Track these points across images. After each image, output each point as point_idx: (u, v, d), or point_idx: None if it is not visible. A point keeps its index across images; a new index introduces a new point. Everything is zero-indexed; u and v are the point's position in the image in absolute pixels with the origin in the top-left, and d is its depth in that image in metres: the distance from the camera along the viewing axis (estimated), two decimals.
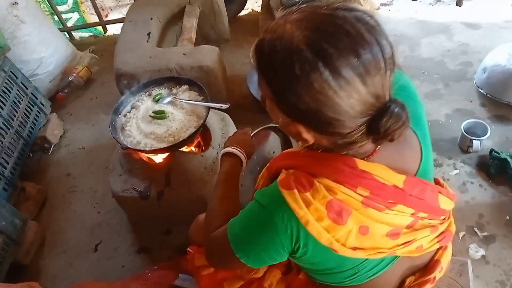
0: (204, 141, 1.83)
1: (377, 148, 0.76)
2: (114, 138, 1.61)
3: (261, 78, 0.73)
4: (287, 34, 0.65)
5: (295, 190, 0.74)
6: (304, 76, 0.63)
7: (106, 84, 2.72)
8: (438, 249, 0.97)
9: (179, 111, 1.70)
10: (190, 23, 2.45)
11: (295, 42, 0.64)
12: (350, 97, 0.64)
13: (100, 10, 3.30)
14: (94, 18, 3.39)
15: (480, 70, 2.05)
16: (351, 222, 0.73)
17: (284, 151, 0.95)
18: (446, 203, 0.84)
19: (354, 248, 0.75)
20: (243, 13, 3.17)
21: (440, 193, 0.83)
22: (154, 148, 1.58)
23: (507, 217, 1.58)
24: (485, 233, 1.56)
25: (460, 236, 1.57)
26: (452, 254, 1.50)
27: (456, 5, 2.73)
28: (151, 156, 1.71)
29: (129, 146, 1.60)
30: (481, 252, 1.51)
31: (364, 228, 0.74)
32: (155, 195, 1.69)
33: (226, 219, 0.91)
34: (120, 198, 1.76)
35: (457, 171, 1.78)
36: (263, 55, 0.70)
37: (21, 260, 1.80)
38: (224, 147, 1.18)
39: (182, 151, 1.72)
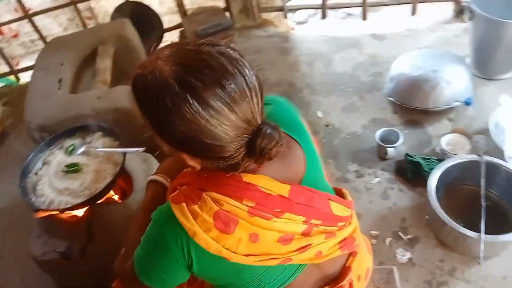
0: (126, 186, 1.76)
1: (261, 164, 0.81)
2: (25, 201, 1.51)
3: (139, 111, 0.76)
4: (158, 70, 0.70)
5: (183, 204, 0.77)
6: (176, 108, 0.68)
7: (22, 138, 2.55)
8: (348, 256, 0.99)
9: (94, 161, 1.63)
10: (104, 64, 2.38)
11: (164, 77, 0.68)
12: (222, 124, 0.69)
13: (10, 59, 3.13)
14: (4, 68, 3.20)
15: (388, 79, 2.17)
16: (239, 231, 0.76)
17: (183, 171, 0.95)
18: (340, 210, 0.89)
19: (247, 255, 0.78)
20: (162, 45, 3.14)
21: (331, 200, 0.88)
22: (69, 206, 1.50)
23: (427, 217, 1.66)
24: (409, 236, 1.63)
25: (387, 242, 1.62)
26: (381, 262, 1.57)
27: (362, 19, 2.88)
28: (67, 213, 1.61)
29: (40, 208, 1.50)
30: (408, 255, 1.57)
31: (254, 235, 0.78)
32: (78, 253, 1.59)
33: None
34: (41, 263, 1.63)
35: (378, 179, 1.85)
36: (138, 90, 0.74)
37: None
38: (153, 174, 1.17)
39: (102, 202, 1.63)
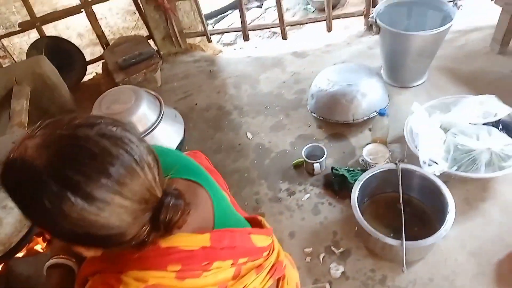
0: (48, 236, 1.64)
1: None
2: None
3: (15, 203, 0.64)
4: (29, 164, 0.60)
5: None
6: (57, 209, 0.59)
7: None
8: (278, 281, 0.98)
9: (8, 212, 1.51)
10: (20, 105, 2.25)
11: (38, 174, 0.59)
12: (115, 214, 0.61)
13: None
14: None
15: (310, 96, 2.24)
16: None
17: (88, 257, 0.89)
18: (261, 241, 0.86)
19: None
20: (86, 78, 3.03)
21: (251, 233, 0.84)
22: None
23: (356, 229, 1.71)
24: (341, 249, 1.66)
25: (321, 258, 1.64)
26: (316, 279, 1.59)
27: (282, 39, 2.97)
28: None
29: None
30: (341, 269, 1.60)
31: None
32: None
33: None
34: None
35: (308, 195, 1.88)
36: (10, 187, 0.63)
37: None
38: (49, 257, 1.03)
39: (22, 257, 1.52)
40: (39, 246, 1.62)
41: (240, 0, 2.80)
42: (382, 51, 2.34)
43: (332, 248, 1.67)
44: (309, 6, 4.11)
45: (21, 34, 2.89)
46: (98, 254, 0.70)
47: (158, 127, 1.94)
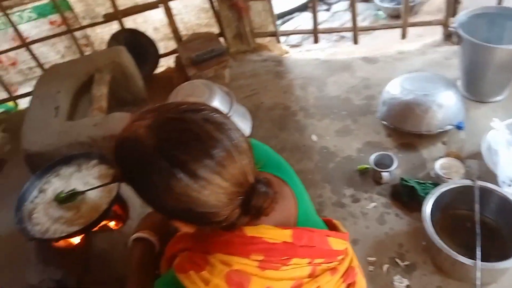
0: (122, 213, 1.74)
1: None
2: (20, 230, 1.50)
3: (123, 178, 0.73)
4: (140, 143, 0.67)
5: (191, 272, 0.74)
6: (164, 184, 0.65)
7: (21, 164, 2.54)
8: (348, 286, 0.98)
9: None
10: (100, 91, 2.41)
11: (148, 151, 0.66)
12: (214, 193, 0.66)
13: (9, 86, 3.15)
14: (3, 95, 3.22)
15: (381, 103, 2.19)
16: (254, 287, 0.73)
17: (177, 234, 0.94)
18: (338, 244, 0.87)
19: None
20: (158, 70, 3.17)
21: (329, 236, 0.86)
22: (64, 234, 1.49)
23: (423, 243, 1.65)
24: (406, 262, 1.61)
25: (385, 269, 1.61)
26: None
27: (354, 43, 2.94)
28: (63, 242, 1.60)
29: (35, 237, 1.49)
30: (405, 282, 1.56)
31: None
32: (73, 282, 1.57)
33: None
34: None
35: (374, 203, 1.85)
36: (121, 161, 0.72)
37: None
38: (135, 231, 1.13)
39: (97, 231, 1.62)
40: (113, 223, 1.73)
41: (314, 3, 2.80)
42: (462, 63, 2.24)
43: (397, 260, 1.63)
44: (379, 12, 4.02)
45: (103, 25, 3.08)
46: (191, 231, 0.76)
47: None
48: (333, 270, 0.85)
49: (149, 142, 0.66)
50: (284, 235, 0.77)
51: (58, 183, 1.68)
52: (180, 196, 0.66)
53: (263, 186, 0.72)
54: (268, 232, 0.76)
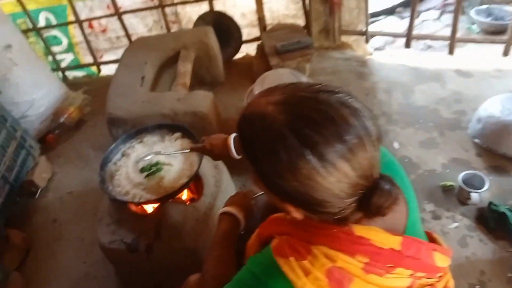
0: (196, 189, 1.77)
1: None
2: (102, 189, 1.56)
3: (243, 152, 0.72)
4: (270, 118, 0.65)
5: (292, 258, 0.71)
6: (291, 163, 0.63)
7: (98, 126, 2.68)
8: None
9: (172, 160, 1.66)
10: (185, 68, 2.46)
11: (279, 127, 0.64)
12: (339, 181, 0.63)
13: (95, 51, 3.32)
14: (88, 60, 3.40)
15: (475, 120, 2.06)
16: None
17: (272, 216, 0.92)
18: (442, 261, 0.81)
19: None
20: (237, 56, 3.20)
21: (435, 250, 0.80)
22: (143, 200, 1.53)
23: (509, 275, 1.53)
24: None
25: None
26: None
27: (449, 53, 2.78)
28: (139, 207, 1.65)
29: (117, 198, 1.55)
30: None
31: None
32: (144, 248, 1.62)
33: (220, 283, 0.87)
34: (107, 250, 1.67)
35: (457, 224, 1.74)
36: (245, 135, 0.71)
37: None
38: (224, 206, 1.16)
39: (173, 201, 1.66)
40: (187, 198, 1.76)
41: (414, 6, 2.68)
42: None
43: (477, 287, 1.52)
44: (473, 26, 3.78)
45: (193, 4, 3.15)
46: (299, 217, 0.73)
47: None
48: (431, 286, 0.79)
49: (280, 117, 0.64)
50: (393, 241, 0.73)
51: (141, 150, 1.73)
52: (304, 179, 0.63)
53: (387, 183, 0.67)
54: (378, 236, 0.72)
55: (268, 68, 2.62)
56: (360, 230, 0.72)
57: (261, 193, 1.33)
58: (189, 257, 1.65)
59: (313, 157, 0.62)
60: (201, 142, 1.36)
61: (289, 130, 0.63)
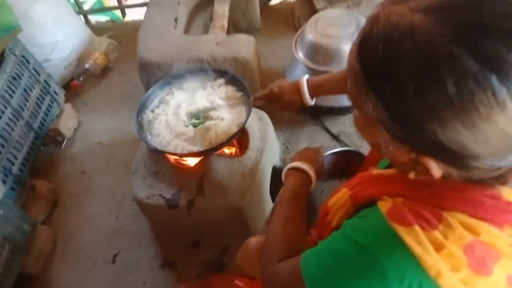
0: (241, 143, 1.61)
1: None
2: (142, 138, 1.41)
3: (365, 90, 0.52)
4: (424, 31, 0.45)
5: (417, 227, 0.55)
6: (464, 97, 0.44)
7: (126, 74, 2.51)
8: None
9: (222, 112, 1.49)
10: (222, 9, 2.23)
11: (440, 42, 0.44)
12: (509, 124, 0.45)
13: None
14: (112, 2, 3.17)
15: None
16: (498, 271, 0.54)
17: (365, 174, 0.75)
18: None
19: None
20: (274, 2, 2.93)
21: None
22: (187, 152, 1.38)
23: None
24: None
25: None
26: None
27: None
28: (180, 160, 1.50)
29: (158, 148, 1.40)
30: None
31: None
32: (185, 204, 1.48)
33: (291, 247, 0.78)
34: (144, 206, 1.55)
35: None
36: (376, 62, 0.50)
37: (29, 271, 1.61)
38: (290, 161, 1.00)
39: (218, 154, 1.50)
40: (232, 151, 1.60)
41: None
42: None
43: None
44: None
45: None
46: (438, 175, 0.54)
47: None
48: None
49: (439, 30, 0.45)
50: None
51: (181, 96, 1.56)
52: (478, 122, 0.45)
53: None
54: None
55: (313, 12, 2.37)
56: (510, 194, 0.55)
57: (331, 152, 1.17)
58: (233, 215, 1.53)
59: (502, 86, 0.43)
60: (256, 92, 1.19)
61: (461, 46, 0.43)
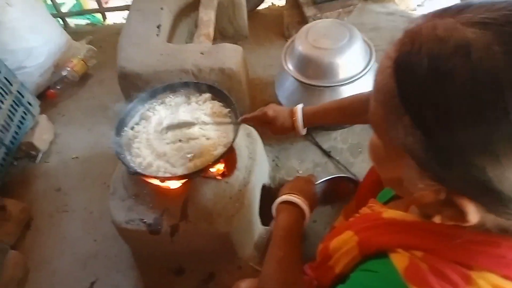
0: (228, 162, 1.52)
1: None
2: (121, 160, 1.30)
3: (397, 112, 0.45)
4: (478, 46, 0.39)
5: None
6: None
7: (106, 82, 2.39)
8: None
9: (208, 130, 1.40)
10: (208, 16, 2.14)
11: (502, 61, 0.38)
12: None
13: None
14: (92, 5, 3.05)
15: None
16: None
17: (381, 217, 0.68)
18: None
19: None
20: (262, 6, 2.85)
21: None
22: (170, 175, 1.29)
23: None
24: None
25: None
26: None
27: None
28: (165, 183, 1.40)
29: (138, 171, 1.30)
30: None
31: None
32: (167, 229, 1.38)
33: None
34: (123, 230, 1.44)
35: None
36: (418, 76, 0.43)
37: None
38: (281, 194, 0.92)
39: (203, 176, 1.41)
40: (214, 169, 1.51)
41: None
42: None
43: None
44: None
45: None
46: (474, 222, 0.47)
47: (366, 76, 1.67)
48: None
49: (502, 48, 0.38)
50: None
51: (163, 112, 1.47)
52: None
53: None
54: None
55: (303, 20, 2.31)
56: None
57: (322, 180, 1.10)
58: (220, 241, 1.43)
59: None
60: (240, 109, 1.15)
61: None
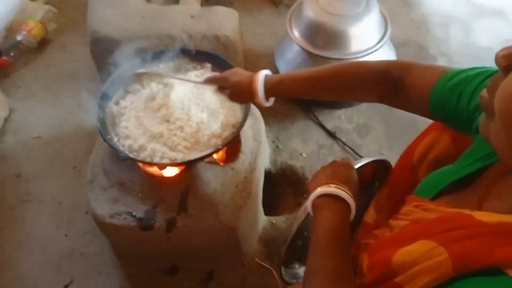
0: (232, 146, 1.32)
1: None
2: (108, 143, 1.08)
3: None
4: None
5: None
6: None
7: (68, 48, 2.08)
8: None
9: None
10: None
11: None
12: None
13: None
14: None
15: None
16: None
17: (479, 221, 0.54)
18: None
19: None
20: None
21: None
22: (169, 161, 1.09)
23: None
24: None
25: None
26: None
27: None
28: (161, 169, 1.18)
29: (131, 156, 1.08)
30: None
31: None
32: (163, 224, 1.18)
33: None
34: (106, 226, 1.22)
35: None
36: None
37: None
38: (316, 184, 0.77)
39: (206, 162, 1.21)
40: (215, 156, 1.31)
41: None
42: None
43: None
44: None
45: None
46: None
47: (379, 51, 1.52)
48: None
49: None
50: None
51: (153, 84, 1.25)
52: None
53: None
54: None
55: None
56: None
57: (360, 163, 0.93)
58: (225, 237, 1.26)
59: None
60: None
61: None
